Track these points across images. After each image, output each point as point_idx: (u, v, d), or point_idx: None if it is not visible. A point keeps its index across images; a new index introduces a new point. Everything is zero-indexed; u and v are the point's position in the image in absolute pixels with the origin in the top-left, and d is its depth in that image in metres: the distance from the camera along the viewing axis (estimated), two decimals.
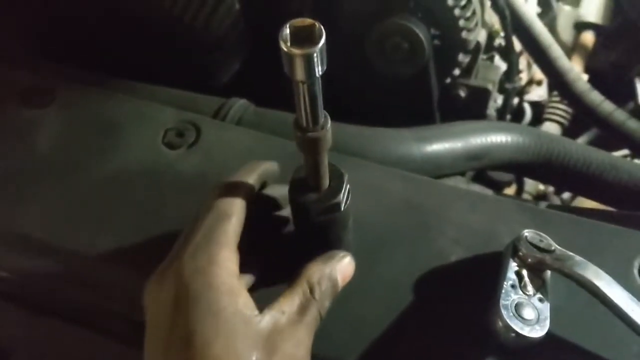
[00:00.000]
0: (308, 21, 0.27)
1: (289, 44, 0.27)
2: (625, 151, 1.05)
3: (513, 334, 0.37)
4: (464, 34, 0.74)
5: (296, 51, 0.27)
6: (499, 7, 0.83)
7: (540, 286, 0.40)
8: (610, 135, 0.91)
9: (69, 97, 0.56)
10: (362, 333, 0.42)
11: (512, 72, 0.88)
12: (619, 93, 1.03)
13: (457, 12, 0.73)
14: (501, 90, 0.91)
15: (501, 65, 0.91)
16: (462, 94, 0.79)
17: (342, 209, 0.39)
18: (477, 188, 0.73)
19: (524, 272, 0.40)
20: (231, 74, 0.74)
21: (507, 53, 0.87)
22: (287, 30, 0.27)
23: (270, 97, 0.60)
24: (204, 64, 0.69)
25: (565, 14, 1.22)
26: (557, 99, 1.14)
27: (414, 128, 0.61)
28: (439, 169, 0.59)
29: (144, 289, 0.40)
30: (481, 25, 0.78)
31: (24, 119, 0.55)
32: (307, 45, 0.27)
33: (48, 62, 0.62)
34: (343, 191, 0.38)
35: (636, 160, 0.98)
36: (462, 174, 0.71)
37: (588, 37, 1.14)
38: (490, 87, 0.80)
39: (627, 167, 0.61)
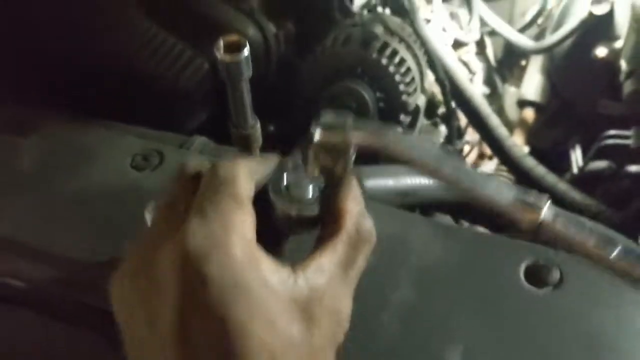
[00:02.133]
0: (236, 36, 0.37)
1: (222, 52, 0.36)
2: None
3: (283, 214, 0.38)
4: (404, 97, 0.85)
5: (227, 57, 0.36)
6: (440, 78, 0.95)
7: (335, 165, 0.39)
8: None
9: (47, 127, 0.66)
10: None
11: (452, 135, 0.99)
12: (559, 167, 1.15)
13: (397, 77, 0.84)
14: None
15: (444, 131, 1.03)
16: None
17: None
18: None
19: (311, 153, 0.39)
20: (197, 123, 0.83)
21: (448, 119, 0.98)
22: (221, 43, 0.37)
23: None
24: (171, 111, 0.79)
25: (510, 94, 1.36)
26: (502, 168, 1.25)
27: (356, 167, 0.70)
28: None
29: (111, 284, 0.34)
30: (420, 91, 0.90)
31: (5, 146, 0.64)
32: (236, 54, 0.36)
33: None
34: None
35: None
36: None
37: (529, 113, 1.27)
38: None
39: None
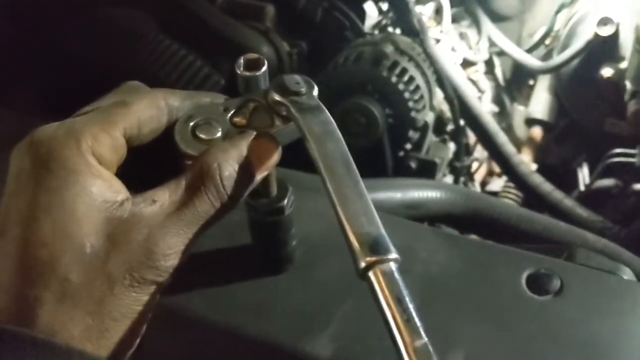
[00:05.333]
0: (255, 55, 0.40)
1: (242, 69, 0.39)
2: None
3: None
4: (413, 113, 0.88)
5: (247, 74, 0.39)
6: (448, 96, 0.97)
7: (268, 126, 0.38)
8: (551, 212, 1.03)
9: None
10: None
11: (460, 152, 1.01)
12: (566, 184, 1.17)
13: (407, 95, 0.87)
14: (452, 169, 1.04)
15: (452, 147, 1.05)
16: (413, 165, 0.92)
17: (286, 213, 0.49)
18: None
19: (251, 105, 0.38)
20: None
21: (456, 136, 1.01)
22: (241, 61, 0.39)
23: None
24: None
25: (518, 113, 1.38)
26: (510, 185, 1.27)
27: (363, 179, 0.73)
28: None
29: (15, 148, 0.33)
30: (429, 108, 0.93)
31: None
32: (255, 71, 0.39)
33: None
34: (287, 199, 0.49)
35: None
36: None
37: (536, 132, 1.29)
38: (437, 161, 0.93)
39: (542, 221, 0.73)
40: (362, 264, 0.31)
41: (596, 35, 1.09)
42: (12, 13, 0.95)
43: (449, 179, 1.05)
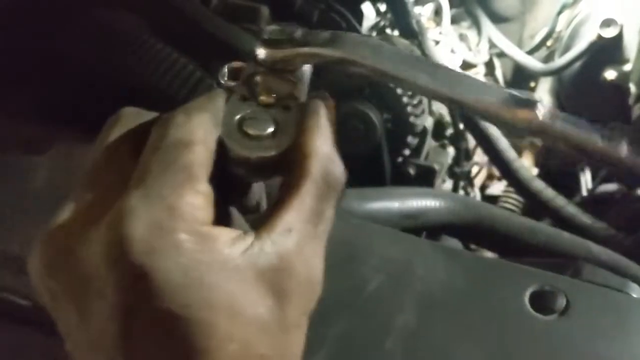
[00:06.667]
0: (240, 63, 0.37)
1: (226, 78, 0.37)
2: None
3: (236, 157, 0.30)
4: (411, 118, 0.86)
5: (232, 84, 0.36)
6: None
7: (291, 89, 0.33)
8: (552, 219, 1.00)
9: (59, 146, 0.67)
10: None
11: (460, 157, 0.99)
12: (569, 189, 1.15)
13: (405, 99, 0.85)
14: (452, 174, 1.01)
15: (452, 152, 1.03)
16: (412, 171, 0.90)
17: None
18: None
19: (258, 78, 0.34)
20: None
21: (455, 141, 0.98)
22: (225, 70, 0.37)
23: None
24: None
25: None
26: (510, 189, 1.24)
27: (359, 189, 0.71)
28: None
29: (29, 262, 0.29)
30: (428, 113, 0.90)
31: (22, 164, 0.65)
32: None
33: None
34: None
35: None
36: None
37: None
38: (437, 167, 0.91)
39: (545, 231, 0.70)
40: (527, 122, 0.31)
41: (599, 37, 1.06)
42: (3, 18, 0.93)
43: (449, 184, 1.03)
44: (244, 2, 0.94)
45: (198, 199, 0.27)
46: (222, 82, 0.37)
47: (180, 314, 0.25)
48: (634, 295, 0.51)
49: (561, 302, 0.49)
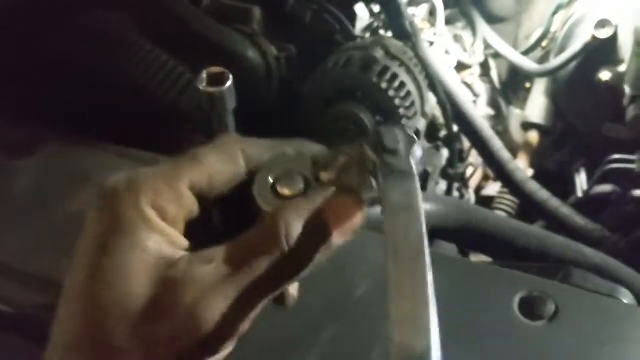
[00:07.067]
0: (219, 69, 0.36)
1: (205, 84, 0.36)
2: None
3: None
4: (403, 120, 0.85)
5: (211, 89, 0.36)
6: (441, 101, 0.94)
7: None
8: (547, 220, 1.00)
9: (43, 149, 0.66)
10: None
11: (453, 159, 0.98)
12: (564, 190, 1.14)
13: (397, 101, 0.84)
14: (446, 176, 1.00)
15: (446, 154, 1.02)
16: None
17: None
18: None
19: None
20: (195, 145, 0.84)
21: (449, 142, 0.98)
22: (204, 76, 0.36)
23: None
24: (168, 132, 0.79)
25: (514, 117, 1.35)
26: (505, 190, 1.24)
27: None
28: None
29: None
30: (421, 114, 0.89)
31: (7, 168, 0.64)
32: (219, 86, 0.36)
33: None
34: None
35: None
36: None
37: (533, 136, 1.26)
38: (429, 170, 0.90)
39: (537, 234, 0.70)
40: None
41: (594, 38, 1.06)
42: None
43: (443, 185, 1.02)
44: (236, 2, 0.94)
45: (167, 193, 0.30)
46: (201, 87, 0.36)
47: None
48: (625, 301, 0.50)
49: (550, 308, 0.49)
